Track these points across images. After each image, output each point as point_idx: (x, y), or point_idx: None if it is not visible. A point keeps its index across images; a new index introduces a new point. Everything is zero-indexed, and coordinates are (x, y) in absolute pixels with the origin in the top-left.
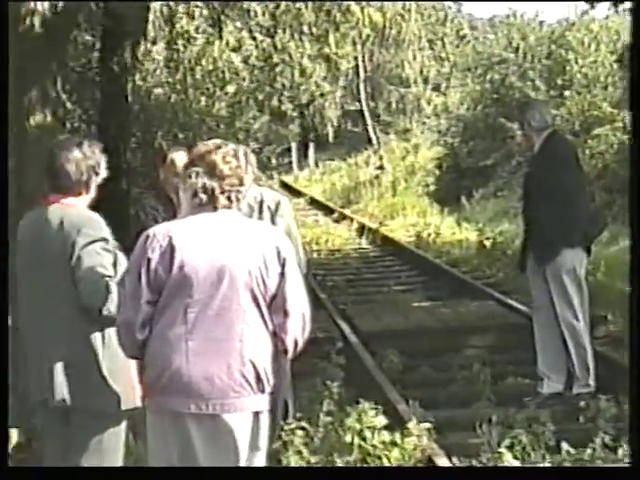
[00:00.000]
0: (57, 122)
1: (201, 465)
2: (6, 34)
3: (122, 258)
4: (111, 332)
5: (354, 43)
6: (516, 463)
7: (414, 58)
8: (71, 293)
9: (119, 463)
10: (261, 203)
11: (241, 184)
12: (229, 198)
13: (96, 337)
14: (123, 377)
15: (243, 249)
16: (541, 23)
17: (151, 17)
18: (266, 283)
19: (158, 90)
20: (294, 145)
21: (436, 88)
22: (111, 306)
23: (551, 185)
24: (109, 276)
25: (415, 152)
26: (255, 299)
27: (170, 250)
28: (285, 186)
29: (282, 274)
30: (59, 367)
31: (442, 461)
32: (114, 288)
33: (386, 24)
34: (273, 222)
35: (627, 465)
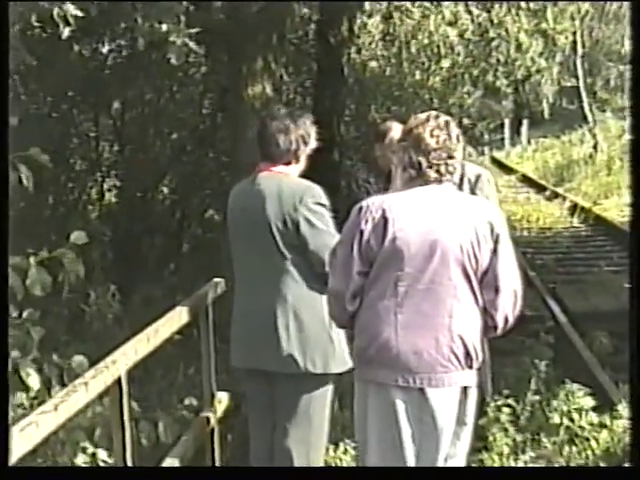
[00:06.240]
0: (274, 93)
1: (403, 438)
2: (6, 34)
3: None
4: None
5: (572, 18)
6: None
7: None
8: (278, 260)
9: (325, 430)
10: (462, 177)
11: (450, 157)
12: (438, 171)
13: (299, 303)
14: (323, 343)
15: (456, 223)
16: None
17: None
18: (478, 258)
19: (373, 63)
20: (507, 121)
21: None
22: None
23: None
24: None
25: None
26: (466, 274)
27: (383, 222)
28: (496, 162)
29: (494, 250)
30: (259, 333)
31: None
32: None
33: None
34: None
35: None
